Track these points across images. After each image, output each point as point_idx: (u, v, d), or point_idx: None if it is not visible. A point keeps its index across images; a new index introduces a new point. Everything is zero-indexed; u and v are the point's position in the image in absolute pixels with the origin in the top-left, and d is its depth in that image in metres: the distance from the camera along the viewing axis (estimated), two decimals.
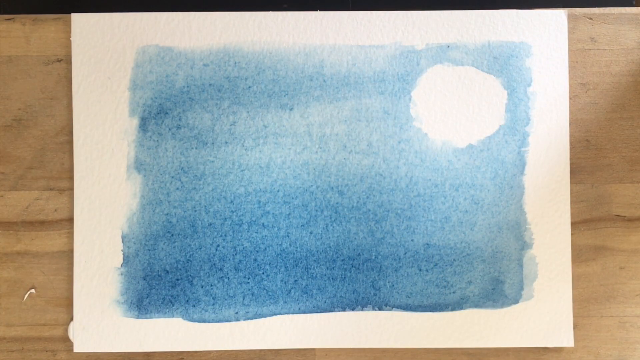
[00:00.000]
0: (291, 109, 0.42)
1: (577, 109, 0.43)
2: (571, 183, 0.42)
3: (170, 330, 0.42)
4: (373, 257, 0.42)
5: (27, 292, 0.42)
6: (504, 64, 0.42)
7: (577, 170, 0.43)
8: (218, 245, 0.42)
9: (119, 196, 0.42)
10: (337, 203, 0.42)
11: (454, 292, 0.42)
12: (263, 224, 0.42)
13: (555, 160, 0.42)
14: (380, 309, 0.42)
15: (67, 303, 0.42)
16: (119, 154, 0.42)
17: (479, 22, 0.42)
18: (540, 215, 0.42)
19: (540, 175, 0.42)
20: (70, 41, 0.42)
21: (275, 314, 0.42)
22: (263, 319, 0.42)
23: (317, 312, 0.42)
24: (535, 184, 0.42)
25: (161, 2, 0.45)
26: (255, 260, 0.42)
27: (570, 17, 0.43)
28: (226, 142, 0.42)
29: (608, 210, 0.43)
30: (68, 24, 0.42)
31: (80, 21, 0.42)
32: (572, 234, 0.42)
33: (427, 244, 0.42)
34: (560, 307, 0.42)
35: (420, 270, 0.42)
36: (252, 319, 0.42)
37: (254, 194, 0.42)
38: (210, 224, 0.42)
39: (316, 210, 0.42)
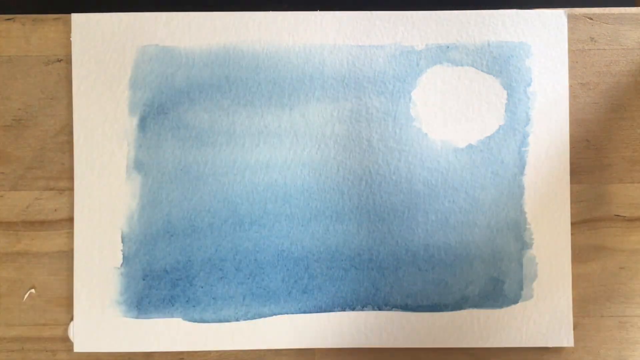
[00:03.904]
0: (291, 109, 0.42)
1: (577, 109, 0.43)
2: (571, 183, 0.42)
3: (170, 330, 0.42)
4: (373, 257, 0.42)
5: (27, 292, 0.42)
6: (503, 64, 0.42)
7: (577, 170, 0.43)
8: (218, 245, 0.42)
9: (119, 196, 0.42)
10: (337, 203, 0.42)
11: (453, 292, 0.42)
12: (263, 224, 0.42)
13: (555, 160, 0.42)
14: (380, 309, 0.42)
15: (67, 303, 0.42)
16: (119, 154, 0.42)
17: (478, 22, 0.42)
18: (540, 215, 0.42)
19: (540, 175, 0.42)
20: (70, 41, 0.42)
21: (275, 314, 0.42)
22: (263, 319, 0.42)
23: (317, 312, 0.42)
24: (535, 184, 0.42)
25: (161, 2, 0.44)
26: (255, 260, 0.42)
27: (570, 17, 0.43)
28: (226, 142, 0.42)
29: (608, 210, 0.43)
30: (68, 24, 0.42)
31: (80, 21, 0.42)
32: (572, 234, 0.42)
33: (427, 244, 0.42)
34: (560, 307, 0.42)
35: (420, 270, 0.42)
36: (252, 319, 0.42)
37: (254, 194, 0.42)
38: (210, 224, 0.42)
39: (316, 210, 0.42)
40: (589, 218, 0.43)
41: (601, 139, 0.43)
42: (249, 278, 0.42)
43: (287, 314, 0.42)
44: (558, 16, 0.42)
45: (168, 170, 0.42)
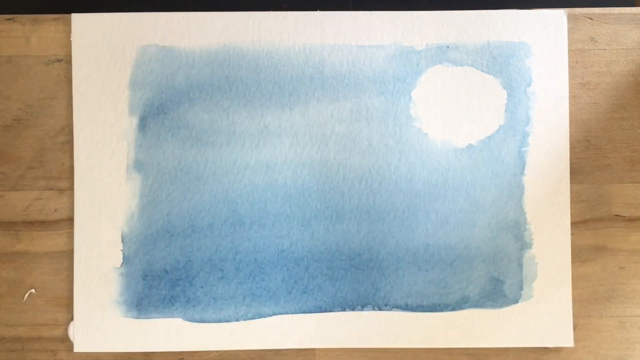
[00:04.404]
0: (291, 109, 0.42)
1: (577, 109, 0.43)
2: (571, 183, 0.42)
3: (170, 330, 0.42)
4: (373, 257, 0.42)
5: (27, 292, 0.42)
6: (503, 64, 0.42)
7: (577, 170, 0.43)
8: (218, 245, 0.42)
9: (119, 196, 0.42)
10: (337, 203, 0.42)
11: (453, 292, 0.42)
12: (263, 224, 0.42)
13: (555, 160, 0.42)
14: (380, 309, 0.42)
15: (67, 303, 0.42)
16: (119, 154, 0.42)
17: (478, 23, 0.42)
18: (540, 215, 0.42)
19: (540, 175, 0.42)
20: (70, 41, 0.42)
21: (275, 314, 0.42)
22: (263, 319, 0.42)
23: (317, 312, 0.42)
24: (535, 184, 0.42)
25: (161, 2, 0.45)
26: (255, 260, 0.42)
27: (570, 17, 0.43)
28: (226, 142, 0.42)
29: (608, 210, 0.43)
30: (68, 24, 0.42)
31: (80, 21, 0.42)
32: (572, 234, 0.42)
33: (427, 244, 0.42)
34: (560, 307, 0.42)
35: (420, 270, 0.42)
36: (252, 319, 0.42)
37: (254, 194, 0.42)
38: (210, 224, 0.42)
39: (316, 210, 0.42)
40: (589, 218, 0.43)
41: (601, 139, 0.43)
42: (249, 278, 0.42)
43: (287, 314, 0.42)
44: (558, 16, 0.42)
45: (168, 170, 0.42)
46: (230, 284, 0.42)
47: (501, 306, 0.42)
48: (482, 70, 0.42)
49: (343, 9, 0.43)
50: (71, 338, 0.42)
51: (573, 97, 0.43)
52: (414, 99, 0.42)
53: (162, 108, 0.42)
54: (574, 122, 0.43)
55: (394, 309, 0.42)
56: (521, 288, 0.42)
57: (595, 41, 0.43)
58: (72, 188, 0.42)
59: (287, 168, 0.42)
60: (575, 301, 0.42)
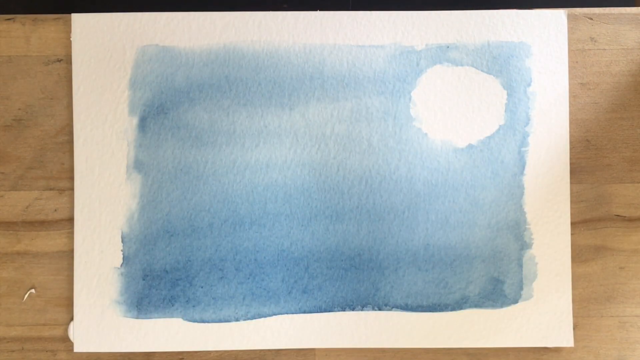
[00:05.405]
0: (291, 109, 0.42)
1: (577, 109, 0.43)
2: (571, 183, 0.42)
3: (170, 330, 0.42)
4: (373, 257, 0.42)
5: (27, 292, 0.42)
6: (503, 64, 0.42)
7: (577, 170, 0.43)
8: (218, 245, 0.42)
9: (119, 196, 0.42)
10: (337, 203, 0.42)
11: (453, 292, 0.42)
12: (263, 224, 0.42)
13: (555, 160, 0.42)
14: (380, 309, 0.42)
15: (67, 303, 0.42)
16: (119, 154, 0.42)
17: (478, 23, 0.42)
18: (540, 215, 0.42)
19: (540, 175, 0.42)
20: (70, 41, 0.42)
21: (275, 314, 0.42)
22: (263, 319, 0.42)
23: (317, 312, 0.42)
24: (535, 184, 0.42)
25: (161, 2, 0.45)
26: (255, 260, 0.42)
27: (570, 17, 0.43)
28: (226, 142, 0.42)
29: (608, 210, 0.43)
30: (68, 24, 0.42)
31: (80, 21, 0.42)
32: (572, 234, 0.42)
33: (427, 244, 0.42)
34: (560, 307, 0.42)
35: (420, 270, 0.42)
36: (252, 319, 0.42)
37: (254, 194, 0.42)
38: (210, 224, 0.42)
39: (316, 210, 0.42)
40: (589, 218, 0.43)
41: (601, 139, 0.43)
42: (249, 278, 0.42)
43: (287, 314, 0.42)
44: (558, 16, 0.42)
45: (168, 170, 0.42)
46: (230, 284, 0.42)
47: (501, 306, 0.42)
48: (482, 70, 0.42)
49: (343, 9, 0.43)
50: (71, 338, 0.42)
51: (573, 97, 0.43)
52: (414, 99, 0.42)
53: (162, 108, 0.42)
54: (574, 122, 0.43)
55: (394, 309, 0.42)
56: (521, 288, 0.42)
57: (595, 41, 0.43)
58: (72, 188, 0.42)
59: (287, 168, 0.42)
60: (575, 301, 0.42)
